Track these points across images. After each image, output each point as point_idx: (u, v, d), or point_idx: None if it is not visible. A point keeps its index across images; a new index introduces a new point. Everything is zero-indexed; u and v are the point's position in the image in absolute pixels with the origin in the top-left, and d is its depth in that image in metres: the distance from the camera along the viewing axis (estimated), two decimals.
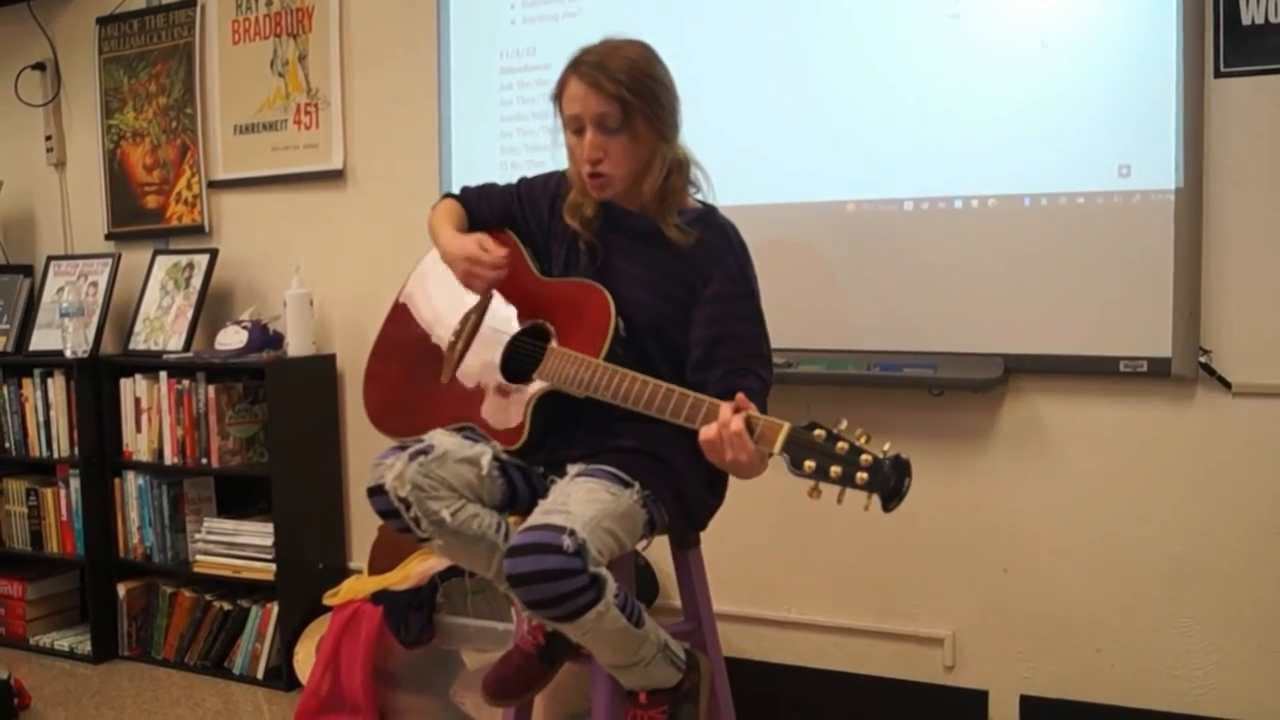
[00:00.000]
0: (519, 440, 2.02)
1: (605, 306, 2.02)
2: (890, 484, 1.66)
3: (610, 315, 2.00)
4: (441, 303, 2.27)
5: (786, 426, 1.73)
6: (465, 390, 2.15)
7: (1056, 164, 2.46)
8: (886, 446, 1.67)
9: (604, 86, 1.97)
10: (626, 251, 2.09)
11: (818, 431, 1.70)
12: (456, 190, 2.34)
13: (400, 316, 2.33)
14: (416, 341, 2.25)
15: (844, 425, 1.70)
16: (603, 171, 2.01)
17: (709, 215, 2.10)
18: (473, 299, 2.19)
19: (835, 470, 1.68)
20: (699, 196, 2.12)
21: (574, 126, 2.03)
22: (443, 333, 2.24)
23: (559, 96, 2.06)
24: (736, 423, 1.76)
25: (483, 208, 2.27)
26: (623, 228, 2.10)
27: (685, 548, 2.19)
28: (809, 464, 1.69)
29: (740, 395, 1.80)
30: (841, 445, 1.68)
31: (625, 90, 1.97)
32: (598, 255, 2.11)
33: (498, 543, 1.97)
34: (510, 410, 2.06)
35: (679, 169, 2.06)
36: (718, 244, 2.06)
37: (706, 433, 1.80)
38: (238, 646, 3.34)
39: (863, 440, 1.69)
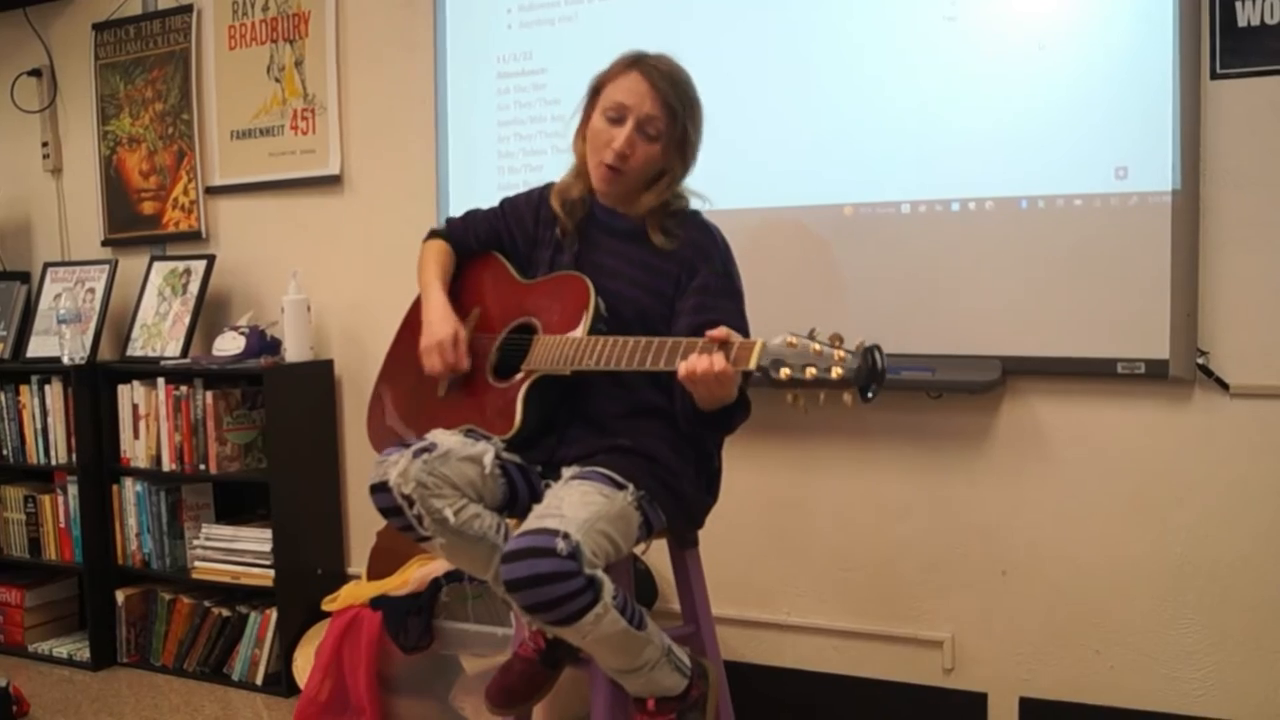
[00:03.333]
0: (511, 428, 2.02)
1: (583, 288, 2.04)
2: (865, 372, 1.65)
3: (589, 294, 2.02)
4: None
5: (760, 341, 1.74)
6: (463, 398, 2.16)
7: (1053, 166, 2.46)
8: (859, 341, 1.67)
9: (665, 93, 2.03)
10: (609, 249, 2.12)
11: (790, 339, 1.71)
12: (448, 215, 2.38)
13: (398, 347, 2.35)
14: (415, 368, 2.26)
15: (816, 331, 1.70)
16: (623, 168, 2.04)
17: (694, 215, 2.14)
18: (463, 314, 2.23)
19: (811, 371, 1.67)
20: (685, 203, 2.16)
21: (614, 115, 2.04)
22: None
23: (604, 82, 2.08)
24: (716, 336, 1.77)
25: (469, 236, 2.31)
26: (608, 228, 2.14)
27: (685, 546, 2.19)
28: (785, 371, 1.68)
29: (722, 328, 1.79)
30: (815, 347, 1.68)
31: (680, 107, 2.03)
32: (580, 254, 2.13)
33: (498, 543, 1.97)
34: (505, 405, 2.06)
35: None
36: (703, 242, 2.09)
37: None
38: (237, 652, 3.33)
39: (836, 342, 1.69)
